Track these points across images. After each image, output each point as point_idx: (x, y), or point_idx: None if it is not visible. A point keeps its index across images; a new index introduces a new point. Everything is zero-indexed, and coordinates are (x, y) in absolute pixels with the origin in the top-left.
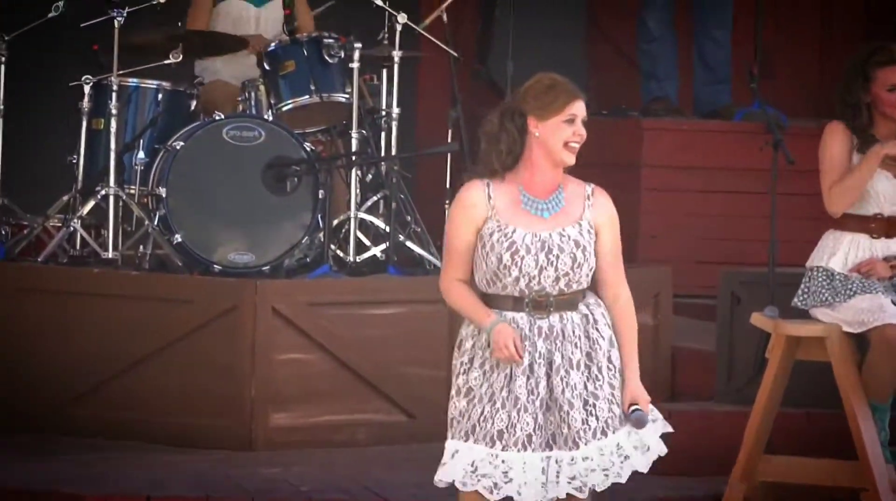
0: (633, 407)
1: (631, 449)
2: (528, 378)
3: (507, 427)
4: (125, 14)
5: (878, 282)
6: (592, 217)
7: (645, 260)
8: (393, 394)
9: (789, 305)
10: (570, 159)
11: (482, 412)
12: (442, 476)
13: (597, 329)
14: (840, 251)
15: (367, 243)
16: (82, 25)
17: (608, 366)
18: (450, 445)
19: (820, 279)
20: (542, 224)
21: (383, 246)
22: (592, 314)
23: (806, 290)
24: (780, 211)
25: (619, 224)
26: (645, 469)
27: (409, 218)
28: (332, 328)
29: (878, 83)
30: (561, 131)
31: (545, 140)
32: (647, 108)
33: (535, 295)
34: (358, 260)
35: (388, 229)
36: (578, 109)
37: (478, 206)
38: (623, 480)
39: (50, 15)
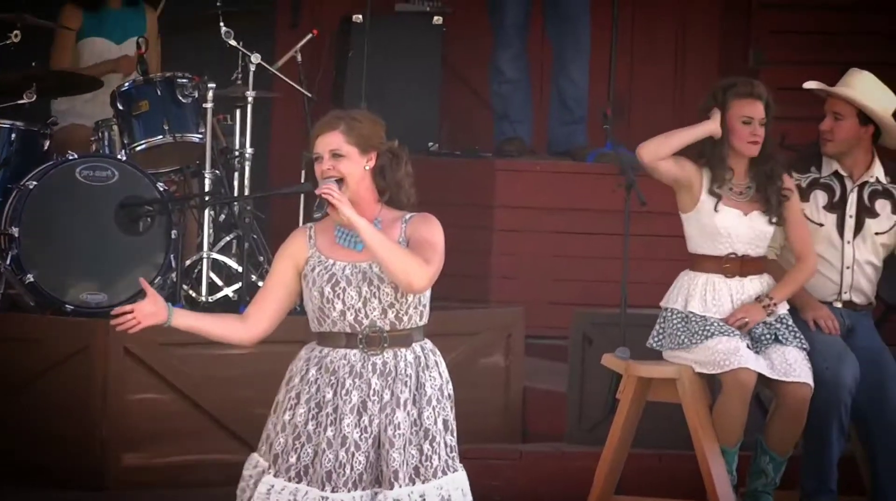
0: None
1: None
2: (361, 416)
3: (335, 468)
4: None
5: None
6: (407, 233)
7: (497, 301)
8: (244, 434)
9: (641, 346)
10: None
11: (314, 454)
12: None
13: (427, 374)
14: (697, 294)
15: (220, 283)
16: None
17: (438, 398)
18: (273, 482)
19: (675, 321)
20: (360, 255)
21: (236, 286)
22: (426, 359)
23: (661, 331)
24: (633, 252)
25: (435, 227)
26: None
27: (261, 258)
28: (184, 368)
29: (733, 114)
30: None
31: None
32: (499, 148)
33: (368, 331)
34: (210, 300)
35: (240, 270)
36: (319, 145)
37: (300, 247)
38: None
39: None
